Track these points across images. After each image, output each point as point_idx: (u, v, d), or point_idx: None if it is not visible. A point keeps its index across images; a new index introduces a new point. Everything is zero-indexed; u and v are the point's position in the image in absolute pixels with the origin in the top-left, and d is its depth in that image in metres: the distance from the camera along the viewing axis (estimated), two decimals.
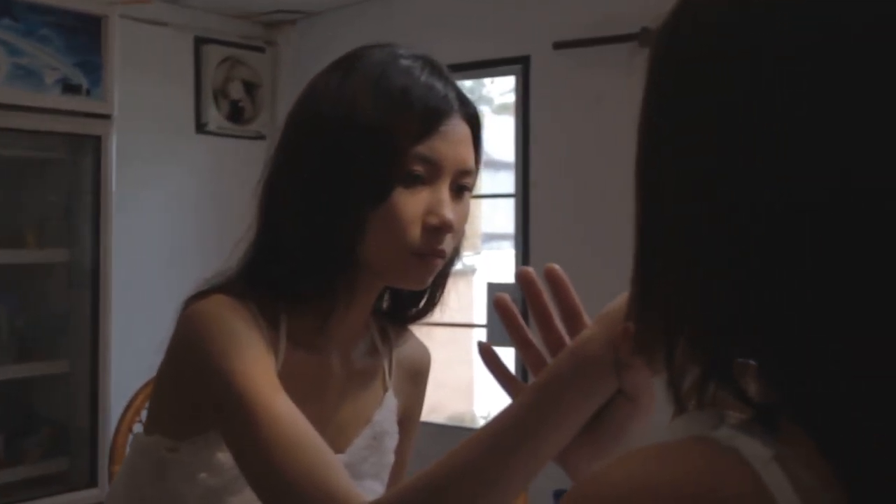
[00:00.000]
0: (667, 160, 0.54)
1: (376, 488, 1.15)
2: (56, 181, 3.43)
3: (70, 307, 3.37)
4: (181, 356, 1.03)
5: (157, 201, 3.85)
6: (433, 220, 1.03)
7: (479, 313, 3.84)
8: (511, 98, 3.75)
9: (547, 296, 0.79)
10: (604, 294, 0.74)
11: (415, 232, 1.02)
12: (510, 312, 0.80)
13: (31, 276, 3.40)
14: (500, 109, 4.40)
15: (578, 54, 3.36)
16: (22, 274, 3.36)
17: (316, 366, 1.11)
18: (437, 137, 1.03)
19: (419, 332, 1.28)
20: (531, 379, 0.78)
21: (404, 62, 1.06)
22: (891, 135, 0.46)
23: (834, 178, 0.47)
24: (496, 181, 4.26)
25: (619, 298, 0.72)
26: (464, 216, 1.08)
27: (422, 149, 1.02)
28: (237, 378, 0.94)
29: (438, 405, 4.22)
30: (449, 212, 1.03)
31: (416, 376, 1.26)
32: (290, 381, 1.00)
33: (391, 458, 1.20)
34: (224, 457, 1.01)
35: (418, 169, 1.02)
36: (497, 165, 4.14)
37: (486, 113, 4.41)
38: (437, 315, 1.21)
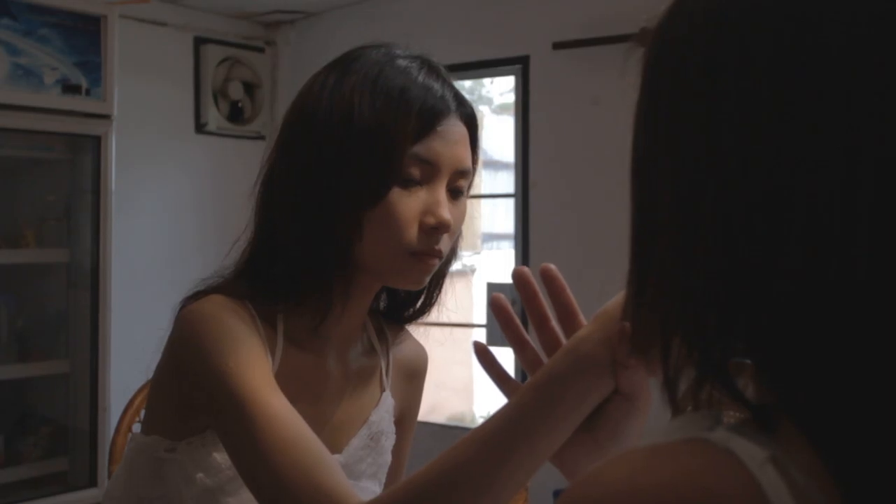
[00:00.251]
0: (660, 160, 0.54)
1: (373, 488, 1.15)
2: (55, 181, 3.43)
3: (69, 307, 3.38)
4: (178, 356, 1.03)
5: (157, 201, 3.85)
6: (430, 221, 1.03)
7: (479, 313, 3.85)
8: (511, 98, 3.75)
9: (543, 295, 0.79)
10: (603, 293, 0.74)
11: (412, 232, 1.02)
12: (506, 312, 0.80)
13: (30, 276, 3.40)
14: (500, 109, 4.40)
15: (578, 54, 3.37)
16: (21, 274, 3.36)
17: (313, 366, 1.11)
18: (434, 137, 1.03)
19: (417, 332, 1.28)
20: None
21: (401, 62, 1.06)
22: (887, 130, 0.46)
23: (831, 178, 0.47)
24: (496, 181, 4.26)
25: (616, 298, 0.72)
26: (461, 216, 1.08)
27: (419, 149, 1.02)
28: (233, 378, 0.94)
29: (438, 405, 4.23)
30: (446, 212, 1.03)
31: (413, 376, 1.26)
32: (287, 381, 1.00)
33: (388, 458, 1.20)
34: (221, 457, 1.01)
35: (415, 169, 1.02)
36: (497, 165, 4.14)
37: (485, 113, 4.41)
38: (434, 315, 1.21)
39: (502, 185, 4.00)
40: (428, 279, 1.08)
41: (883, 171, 0.46)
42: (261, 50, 4.27)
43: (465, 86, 3.97)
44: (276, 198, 1.07)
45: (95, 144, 3.26)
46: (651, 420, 0.73)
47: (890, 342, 0.46)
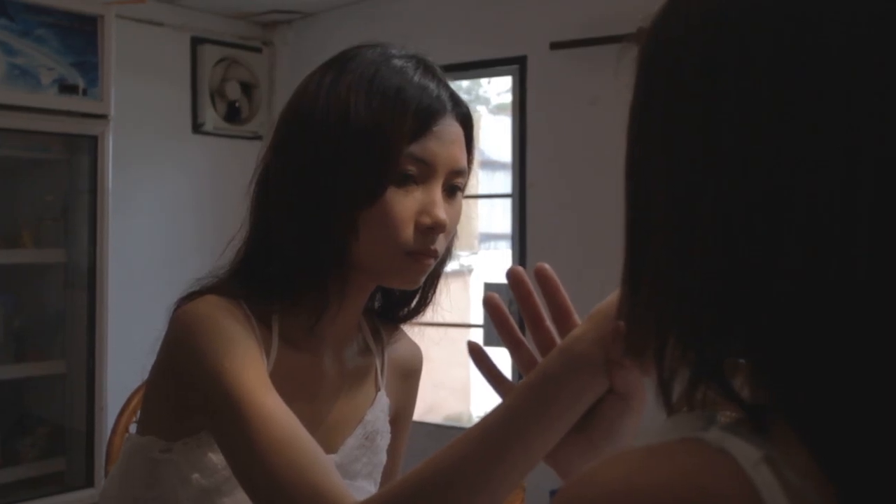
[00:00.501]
0: (655, 161, 0.54)
1: (369, 488, 1.15)
2: (52, 181, 3.43)
3: (66, 307, 3.37)
4: (173, 357, 1.03)
5: (154, 201, 3.85)
6: (426, 220, 1.03)
7: (476, 313, 3.85)
8: (508, 98, 3.75)
9: (538, 295, 0.79)
10: (600, 293, 0.74)
11: (408, 232, 1.02)
12: (500, 311, 0.80)
13: (27, 277, 3.39)
14: (497, 109, 4.41)
15: (575, 55, 3.37)
16: (18, 274, 3.36)
17: (308, 365, 1.11)
18: (430, 137, 1.03)
19: (413, 332, 1.28)
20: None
21: (397, 62, 1.06)
22: (887, 130, 0.46)
23: (831, 178, 0.47)
24: (493, 181, 4.26)
25: (610, 297, 0.72)
26: (456, 216, 1.08)
27: (415, 149, 1.02)
28: (228, 378, 0.94)
29: (435, 405, 4.23)
30: (442, 212, 1.03)
31: (409, 375, 1.26)
32: (283, 380, 1.00)
33: (383, 458, 1.20)
34: (216, 458, 1.01)
35: (411, 169, 1.02)
36: (494, 166, 4.14)
37: (483, 113, 4.41)
38: (429, 315, 1.21)
39: (499, 185, 4.01)
40: (424, 279, 1.08)
41: (883, 171, 0.46)
42: (258, 50, 4.27)
43: (462, 86, 3.97)
44: (272, 197, 1.07)
45: (92, 144, 3.26)
46: (646, 420, 0.73)
47: (890, 342, 0.46)
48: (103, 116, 3.26)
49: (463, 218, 1.12)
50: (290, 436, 0.91)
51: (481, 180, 4.24)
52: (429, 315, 1.21)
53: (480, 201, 4.28)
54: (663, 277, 0.53)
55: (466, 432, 0.78)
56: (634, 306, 0.56)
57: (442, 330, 1.42)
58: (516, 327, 0.81)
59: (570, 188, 3.44)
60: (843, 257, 0.46)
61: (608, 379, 0.72)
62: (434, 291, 1.19)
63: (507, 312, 0.80)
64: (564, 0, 3.45)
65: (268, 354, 1.05)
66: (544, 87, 3.52)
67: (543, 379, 0.74)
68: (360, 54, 1.07)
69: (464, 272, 4.49)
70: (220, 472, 1.01)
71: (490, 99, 4.62)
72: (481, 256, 4.76)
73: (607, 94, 3.08)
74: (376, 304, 1.23)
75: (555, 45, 3.43)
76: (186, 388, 1.01)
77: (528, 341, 0.81)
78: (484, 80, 4.30)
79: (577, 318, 0.78)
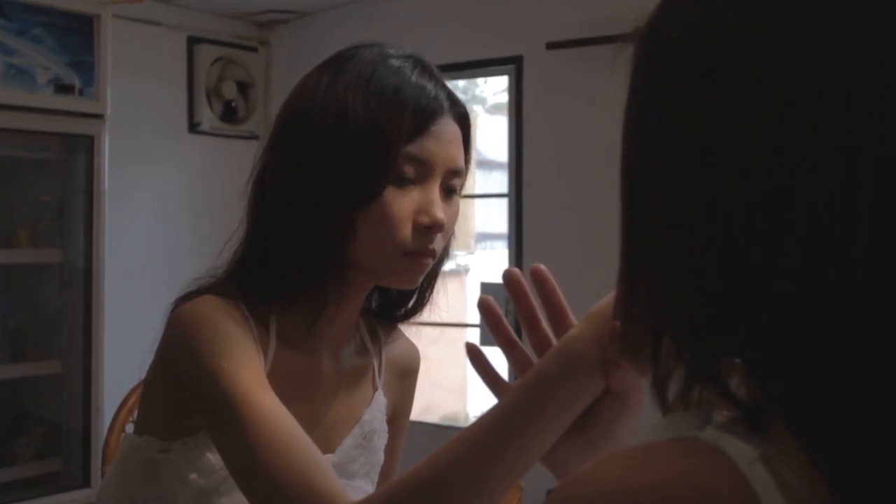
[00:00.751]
0: (652, 161, 0.54)
1: (366, 487, 1.15)
2: (49, 181, 3.42)
3: (63, 307, 3.37)
4: (170, 357, 1.03)
5: (151, 201, 3.85)
6: (424, 220, 1.03)
7: (473, 313, 3.85)
8: (504, 98, 3.76)
9: (534, 296, 0.79)
10: (597, 293, 0.74)
11: (405, 231, 1.02)
12: (494, 314, 0.80)
13: (23, 276, 3.39)
14: (494, 109, 4.41)
15: (572, 54, 3.37)
16: (14, 274, 3.36)
17: (306, 365, 1.11)
18: (427, 137, 1.03)
19: (410, 331, 1.28)
20: None
21: (395, 62, 1.06)
22: (886, 130, 0.46)
23: (830, 177, 0.47)
24: (490, 181, 4.26)
25: (607, 297, 0.71)
26: (454, 216, 1.08)
27: (412, 148, 1.02)
28: (225, 378, 0.94)
29: (432, 405, 4.23)
30: (440, 211, 1.03)
31: (406, 375, 1.26)
32: (280, 380, 1.00)
33: (381, 458, 1.20)
34: (214, 458, 1.01)
35: (409, 168, 1.02)
36: (490, 165, 4.15)
37: (479, 113, 4.41)
38: (426, 314, 1.21)
39: (496, 184, 4.01)
40: (421, 279, 1.08)
41: (882, 171, 0.46)
42: (254, 50, 4.27)
43: (458, 85, 3.97)
44: (269, 197, 1.07)
45: (89, 144, 3.26)
46: (643, 419, 0.73)
47: (888, 342, 0.46)
48: (100, 116, 3.26)
49: (459, 217, 1.12)
50: (287, 436, 0.91)
51: (478, 180, 4.25)
52: (426, 315, 1.21)
53: (477, 201, 4.28)
54: (661, 277, 0.53)
55: (463, 432, 0.78)
56: (631, 306, 0.56)
57: (439, 329, 1.42)
58: (511, 329, 0.80)
59: (566, 188, 3.44)
60: (842, 257, 0.46)
61: (605, 379, 0.72)
62: (432, 291, 1.19)
63: (502, 315, 0.80)
64: (560, 0, 3.45)
65: (265, 354, 1.05)
66: (541, 87, 3.52)
67: (540, 379, 0.74)
68: (357, 54, 1.07)
69: (460, 272, 4.50)
70: (218, 473, 1.01)
71: (486, 99, 4.63)
72: (478, 256, 4.77)
73: (604, 93, 3.08)
74: (374, 304, 1.23)
75: (551, 45, 3.43)
76: (184, 389, 1.00)
77: (524, 343, 0.81)
78: (480, 80, 4.30)
79: (573, 318, 0.77)
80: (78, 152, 3.31)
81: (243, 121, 4.18)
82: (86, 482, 3.26)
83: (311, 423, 1.04)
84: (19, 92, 3.07)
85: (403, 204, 1.02)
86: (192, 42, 4.04)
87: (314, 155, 1.03)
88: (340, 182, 1.01)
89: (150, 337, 1.08)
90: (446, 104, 1.06)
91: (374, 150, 1.01)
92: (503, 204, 3.73)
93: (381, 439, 1.19)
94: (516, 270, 0.79)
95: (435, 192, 1.04)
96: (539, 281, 0.78)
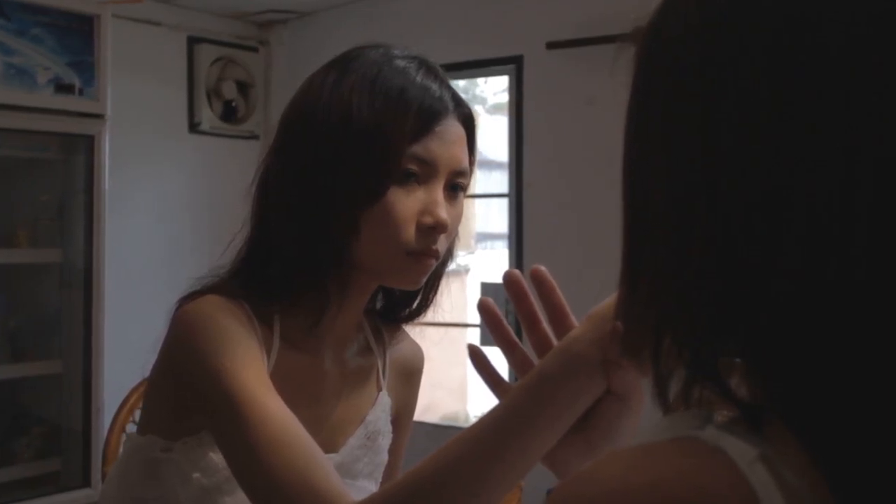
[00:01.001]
0: (653, 160, 0.54)
1: (370, 487, 1.15)
2: (49, 181, 3.42)
3: (63, 307, 3.37)
4: (174, 356, 1.03)
5: (151, 201, 3.84)
6: (428, 220, 1.03)
7: (473, 313, 3.85)
8: (504, 98, 3.76)
9: (534, 298, 0.79)
10: (597, 293, 0.74)
11: (409, 231, 1.03)
12: (494, 315, 0.80)
13: (23, 276, 3.39)
14: (494, 109, 4.41)
15: (572, 54, 3.37)
16: (14, 274, 3.35)
17: (309, 366, 1.11)
18: (432, 137, 1.03)
19: (412, 331, 1.28)
20: None
21: (400, 62, 1.06)
22: (886, 130, 0.46)
23: (830, 177, 0.47)
24: (490, 181, 4.27)
25: (609, 298, 0.71)
26: (458, 216, 1.08)
27: (417, 149, 1.02)
28: (228, 378, 0.94)
29: (432, 405, 4.23)
30: (443, 212, 1.04)
31: (410, 375, 1.26)
32: (284, 381, 1.00)
33: (385, 458, 1.20)
34: (217, 457, 1.01)
35: (413, 168, 1.02)
36: (491, 165, 4.15)
37: (479, 113, 4.42)
38: (429, 315, 1.21)
39: (496, 184, 4.01)
40: (425, 279, 1.08)
41: (882, 171, 0.46)
42: (254, 49, 4.27)
43: (459, 85, 3.96)
44: (274, 197, 1.07)
45: (89, 144, 3.26)
46: (644, 420, 0.73)
47: (888, 342, 0.46)
48: (100, 116, 3.26)
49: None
50: (288, 436, 0.91)
51: (478, 180, 4.25)
52: (429, 315, 1.21)
53: (477, 201, 4.28)
54: (661, 277, 0.53)
55: (464, 432, 0.78)
56: (632, 306, 0.56)
57: (442, 330, 1.42)
58: (511, 330, 0.80)
59: (566, 188, 3.44)
60: (841, 257, 0.46)
61: (606, 380, 0.72)
62: (435, 292, 1.19)
63: (502, 316, 0.80)
64: (561, 0, 3.45)
65: (269, 354, 1.05)
66: (541, 87, 3.52)
67: (541, 379, 0.74)
68: (362, 55, 1.07)
69: (460, 272, 4.50)
70: (220, 472, 1.01)
71: (487, 98, 4.63)
72: (478, 256, 4.77)
73: (604, 93, 3.08)
74: (378, 305, 1.23)
75: (551, 45, 3.43)
76: (186, 388, 1.01)
77: (524, 343, 0.81)
78: (480, 80, 4.31)
79: (573, 319, 0.77)
80: (78, 152, 3.31)
81: (243, 121, 4.18)
82: (86, 482, 3.26)
83: (314, 423, 1.05)
84: (19, 92, 3.07)
85: (407, 204, 1.02)
86: (192, 42, 4.04)
87: (319, 155, 1.03)
88: (344, 182, 1.01)
89: (151, 337, 1.08)
90: (451, 105, 1.06)
91: (378, 150, 1.01)
92: (503, 204, 3.73)
93: (385, 440, 1.19)
94: (516, 272, 0.79)
95: (439, 192, 1.04)
96: (539, 282, 0.78)
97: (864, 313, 0.46)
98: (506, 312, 0.81)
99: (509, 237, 3.66)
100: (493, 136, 3.86)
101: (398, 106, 1.02)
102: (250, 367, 0.96)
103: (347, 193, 1.01)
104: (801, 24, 0.48)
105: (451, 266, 1.18)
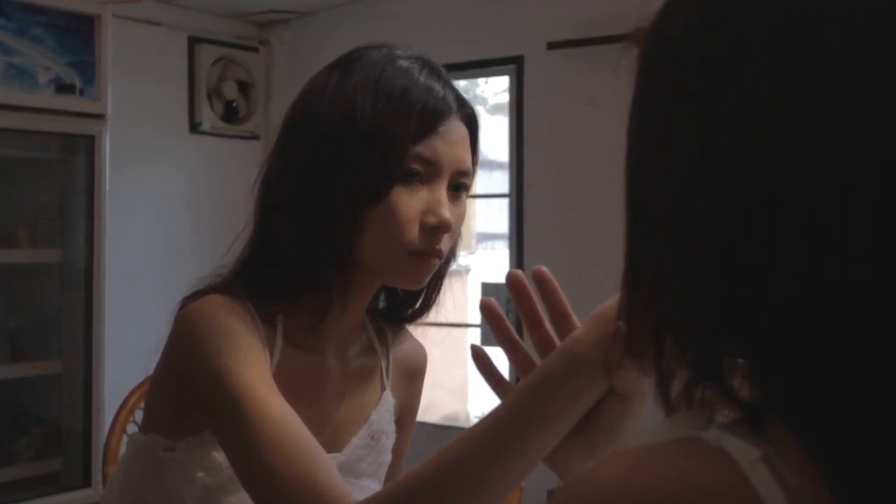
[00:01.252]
0: (654, 160, 0.54)
1: (373, 487, 1.15)
2: (49, 181, 3.42)
3: (63, 307, 3.37)
4: (177, 356, 1.03)
5: (151, 201, 3.84)
6: (431, 220, 1.03)
7: (474, 313, 3.85)
8: (505, 98, 3.76)
9: (536, 298, 0.79)
10: (598, 294, 0.74)
11: (413, 231, 1.03)
12: (496, 315, 0.80)
13: (23, 276, 3.39)
14: (495, 109, 4.41)
15: (572, 54, 3.37)
16: (14, 274, 3.35)
17: (313, 365, 1.11)
18: (435, 138, 1.03)
19: (414, 331, 1.28)
20: None
21: (403, 63, 1.06)
22: (886, 130, 0.46)
23: (830, 177, 0.47)
24: (491, 181, 4.26)
25: (612, 299, 0.71)
26: (461, 216, 1.08)
27: (420, 149, 1.02)
28: (231, 377, 0.94)
29: (433, 405, 4.23)
30: (447, 211, 1.04)
31: (413, 375, 1.27)
32: (287, 380, 1.00)
33: (388, 457, 1.20)
34: (220, 456, 1.01)
35: (417, 168, 1.03)
36: (491, 165, 4.14)
37: (480, 113, 4.41)
38: (432, 315, 1.21)
39: (497, 184, 4.01)
40: (427, 279, 1.08)
41: (882, 170, 0.46)
42: (255, 50, 4.27)
43: (459, 85, 3.96)
44: (276, 197, 1.07)
45: (89, 144, 3.26)
46: (646, 421, 0.73)
47: (888, 342, 0.46)
48: (100, 116, 3.26)
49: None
50: (290, 435, 0.91)
51: (479, 180, 4.24)
52: (431, 315, 1.21)
53: (478, 201, 4.28)
54: (662, 277, 0.53)
55: (465, 432, 0.78)
56: (634, 306, 0.57)
57: (444, 330, 1.42)
58: (513, 330, 0.80)
59: (567, 188, 3.44)
60: (841, 257, 0.46)
61: (608, 380, 0.72)
62: (438, 292, 1.19)
63: (503, 316, 0.80)
64: (561, 0, 3.45)
65: (272, 354, 1.05)
66: (541, 87, 3.52)
67: (542, 379, 0.74)
68: (365, 55, 1.08)
69: (461, 272, 4.50)
70: (224, 471, 1.01)
71: (487, 99, 4.63)
72: (479, 256, 4.77)
73: (604, 94, 3.08)
74: (381, 305, 1.23)
75: (552, 45, 3.43)
76: (189, 387, 1.01)
77: (526, 343, 0.81)
78: (481, 80, 4.30)
79: (575, 320, 0.77)
80: (78, 152, 3.31)
81: (244, 121, 4.18)
82: (86, 482, 3.26)
83: (317, 423, 1.05)
84: (20, 92, 3.07)
85: (410, 204, 1.02)
86: (193, 42, 4.04)
87: (322, 155, 1.03)
88: (348, 182, 1.02)
89: (151, 337, 1.08)
90: (454, 105, 1.06)
91: (382, 150, 1.01)
92: (504, 204, 3.73)
93: (389, 439, 1.19)
94: (519, 272, 0.79)
95: (442, 192, 1.04)
96: (541, 282, 0.78)
97: (864, 313, 0.46)
98: (506, 311, 0.81)
99: (510, 237, 3.66)
100: (494, 136, 3.86)
101: (402, 106, 1.02)
102: (253, 367, 0.96)
103: (350, 193, 1.01)
104: (800, 24, 0.48)
105: (452, 266, 1.18)
